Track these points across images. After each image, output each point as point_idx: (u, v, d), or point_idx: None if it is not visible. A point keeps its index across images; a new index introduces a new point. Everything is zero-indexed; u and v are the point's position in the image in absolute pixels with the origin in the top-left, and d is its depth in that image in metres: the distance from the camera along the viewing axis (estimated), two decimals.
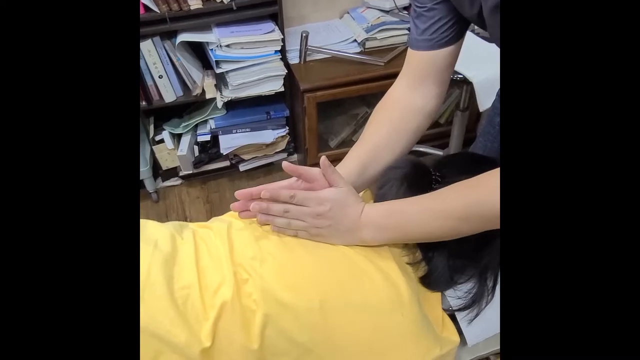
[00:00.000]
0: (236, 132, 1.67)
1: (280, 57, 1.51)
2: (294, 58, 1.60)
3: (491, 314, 0.64)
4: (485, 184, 0.54)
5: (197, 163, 1.72)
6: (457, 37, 0.71)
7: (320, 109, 1.60)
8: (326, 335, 0.56)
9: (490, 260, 0.63)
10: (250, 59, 1.47)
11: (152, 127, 1.66)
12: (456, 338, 0.63)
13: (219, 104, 1.58)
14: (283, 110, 1.68)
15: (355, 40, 1.65)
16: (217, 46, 1.44)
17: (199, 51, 1.59)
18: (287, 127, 1.71)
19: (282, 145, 1.74)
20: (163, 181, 1.81)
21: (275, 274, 0.57)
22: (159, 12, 1.36)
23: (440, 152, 1.74)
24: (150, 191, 1.73)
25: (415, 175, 0.65)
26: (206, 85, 1.54)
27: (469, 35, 0.72)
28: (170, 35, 1.46)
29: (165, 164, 1.71)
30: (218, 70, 1.47)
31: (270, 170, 1.84)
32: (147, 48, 1.42)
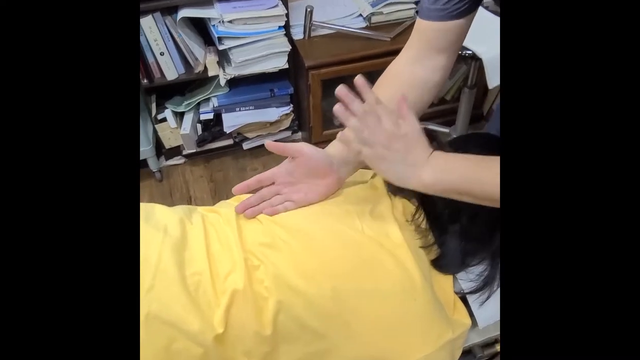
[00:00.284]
0: (239, 110, 1.64)
1: (284, 32, 1.48)
2: (298, 34, 1.57)
3: None
4: None
5: (200, 142, 1.70)
6: (470, 10, 0.68)
7: (324, 86, 1.57)
8: (339, 322, 0.56)
9: None
10: (253, 35, 1.43)
11: (154, 106, 1.64)
12: (467, 321, 0.63)
13: (222, 82, 1.55)
14: (287, 88, 1.65)
15: (360, 15, 1.61)
16: (220, 22, 1.40)
17: (200, 27, 1.55)
18: (292, 105, 1.68)
19: (287, 123, 1.72)
20: (166, 160, 1.80)
21: (288, 260, 0.56)
22: None
23: (446, 130, 1.72)
24: (154, 170, 1.72)
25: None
26: (208, 62, 1.50)
27: (479, 9, 0.69)
28: (171, 11, 1.42)
29: (168, 142, 1.70)
30: (220, 47, 1.44)
31: None
32: (148, 24, 1.38)
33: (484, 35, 1.17)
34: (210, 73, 1.53)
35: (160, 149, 1.73)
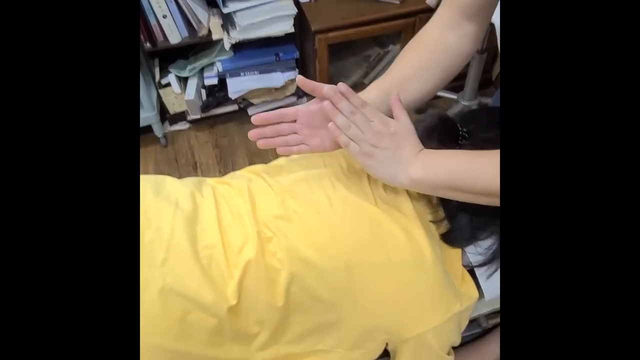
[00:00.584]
0: (244, 75, 1.62)
1: None
2: None
3: None
4: None
5: (205, 107, 1.69)
6: None
7: (331, 50, 1.54)
8: (350, 293, 0.57)
9: None
10: None
11: (157, 70, 1.61)
12: (475, 293, 0.64)
13: (226, 46, 1.52)
14: (293, 52, 1.61)
15: None
16: None
17: None
18: (297, 70, 1.65)
19: (292, 89, 1.69)
20: (171, 125, 1.78)
21: (301, 233, 0.57)
22: None
23: (454, 96, 1.69)
24: (159, 136, 1.71)
25: (442, 129, 0.62)
26: (212, 25, 1.47)
27: None
28: None
29: (173, 108, 1.68)
30: (225, 10, 1.40)
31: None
32: None
33: None
34: (214, 37, 1.49)
35: (164, 115, 1.72)
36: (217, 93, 1.68)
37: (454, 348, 0.66)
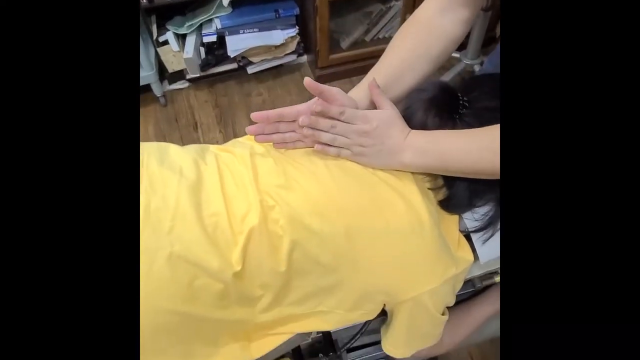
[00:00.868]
0: (243, 33, 1.58)
1: None
2: None
3: None
4: None
5: (204, 66, 1.66)
6: None
7: (332, 7, 1.50)
8: (350, 257, 0.59)
9: None
10: None
11: (155, 27, 1.58)
12: (470, 257, 0.67)
13: (225, 2, 1.48)
14: (293, 9, 1.57)
15: None
16: None
17: None
18: (297, 27, 1.62)
19: (292, 46, 1.66)
20: (170, 84, 1.77)
21: (302, 201, 0.58)
22: None
23: (456, 55, 1.67)
24: (158, 95, 1.70)
25: (442, 99, 0.63)
26: None
27: None
28: None
29: (172, 66, 1.66)
30: None
31: (280, 73, 1.78)
32: None
33: None
34: None
35: (163, 74, 1.70)
36: (216, 51, 1.65)
37: (448, 308, 0.69)
